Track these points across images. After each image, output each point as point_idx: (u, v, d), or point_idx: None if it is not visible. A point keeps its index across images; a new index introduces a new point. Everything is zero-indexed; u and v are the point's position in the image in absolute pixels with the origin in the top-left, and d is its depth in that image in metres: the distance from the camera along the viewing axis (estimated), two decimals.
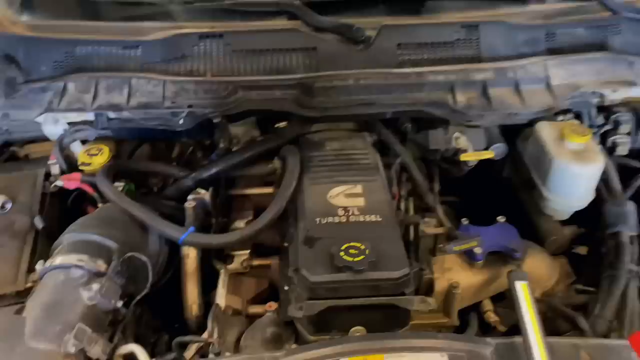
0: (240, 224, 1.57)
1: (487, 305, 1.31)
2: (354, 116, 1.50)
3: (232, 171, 1.45)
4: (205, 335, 1.14)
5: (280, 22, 1.58)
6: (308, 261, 1.09)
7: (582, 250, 1.55)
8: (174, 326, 1.39)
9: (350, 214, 1.19)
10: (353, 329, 1.08)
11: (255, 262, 1.43)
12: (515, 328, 1.28)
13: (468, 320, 1.30)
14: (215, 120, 1.50)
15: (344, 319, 1.09)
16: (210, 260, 1.42)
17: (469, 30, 1.54)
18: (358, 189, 1.27)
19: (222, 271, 1.34)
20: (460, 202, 1.68)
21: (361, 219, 1.18)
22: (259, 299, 1.37)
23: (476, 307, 1.33)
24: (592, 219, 1.47)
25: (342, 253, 1.06)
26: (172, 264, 1.40)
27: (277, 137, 1.51)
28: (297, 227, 1.23)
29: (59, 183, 1.47)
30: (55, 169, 1.50)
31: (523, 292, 0.90)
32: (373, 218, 1.18)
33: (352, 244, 1.08)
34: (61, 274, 1.11)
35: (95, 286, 1.08)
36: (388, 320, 1.10)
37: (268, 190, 1.61)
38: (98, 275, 1.12)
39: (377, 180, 1.31)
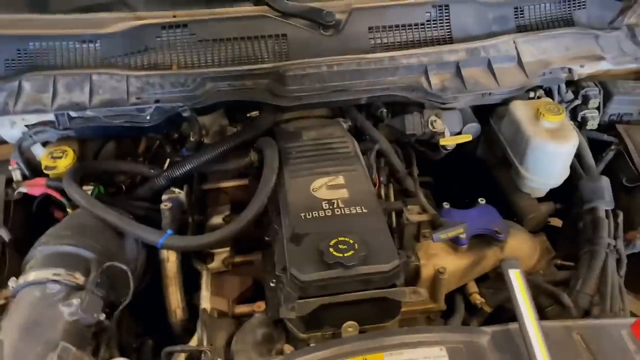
0: (217, 219, 1.53)
1: (472, 287, 1.33)
2: (329, 103, 1.46)
3: (206, 167, 1.40)
4: (194, 341, 1.11)
5: (247, 8, 1.52)
6: (296, 259, 1.06)
7: (556, 222, 1.59)
8: (158, 330, 1.36)
9: (335, 207, 1.17)
10: (345, 324, 1.07)
11: (237, 259, 1.40)
12: (501, 309, 1.32)
13: (455, 304, 1.31)
14: (184, 115, 1.44)
15: (336, 315, 1.08)
16: (190, 259, 1.37)
17: (439, 10, 1.52)
18: (340, 179, 1.25)
19: (203, 272, 1.31)
20: (435, 182, 1.68)
21: (346, 211, 1.16)
22: (244, 298, 1.34)
23: (461, 290, 1.34)
24: (566, 195, 1.50)
25: (331, 249, 1.04)
26: (150, 267, 1.35)
27: (252, 128, 1.46)
28: (280, 223, 1.21)
29: (23, 189, 1.39)
30: (17, 175, 1.42)
31: (517, 280, 0.91)
32: (358, 210, 1.16)
33: (340, 238, 1.06)
34: (37, 291, 1.05)
35: (75, 301, 1.02)
36: (379, 312, 1.10)
37: (243, 182, 1.58)
38: (77, 288, 1.07)
39: (358, 169, 1.29)
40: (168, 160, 1.52)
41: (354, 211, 1.16)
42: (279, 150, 1.35)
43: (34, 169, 1.46)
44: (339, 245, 1.05)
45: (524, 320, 0.88)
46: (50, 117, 1.42)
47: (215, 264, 1.39)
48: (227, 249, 1.40)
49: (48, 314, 1.02)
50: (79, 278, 1.09)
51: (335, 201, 1.19)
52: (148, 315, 1.37)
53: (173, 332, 1.30)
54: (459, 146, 1.54)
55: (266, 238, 1.37)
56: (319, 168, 1.29)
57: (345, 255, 1.03)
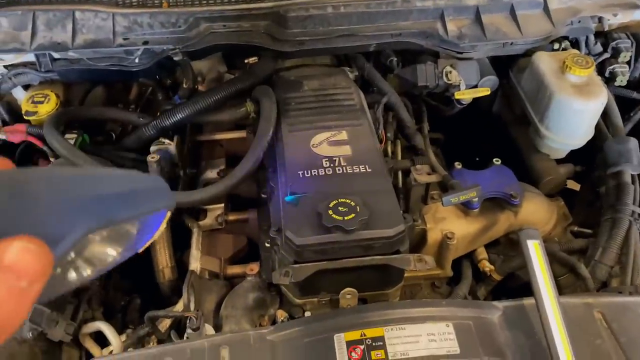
0: (211, 174, 1.44)
1: (482, 253, 1.24)
2: (334, 49, 1.33)
3: (199, 117, 1.29)
4: (179, 305, 1.03)
5: None
6: (292, 221, 0.97)
7: (574, 185, 1.48)
8: (147, 287, 1.29)
9: (336, 165, 1.07)
10: (344, 290, 0.99)
11: (231, 217, 1.31)
12: (511, 277, 1.23)
13: (461, 271, 1.22)
14: (176, 58, 1.32)
15: (333, 280, 0.99)
16: (181, 216, 1.29)
17: None
18: (343, 135, 1.14)
19: (194, 230, 1.22)
20: (445, 140, 1.57)
21: (349, 170, 1.06)
22: (238, 258, 1.26)
23: (469, 256, 1.25)
24: (586, 157, 1.38)
25: (330, 211, 0.95)
26: None
27: (248, 76, 1.34)
28: (276, 180, 1.11)
29: (2, 136, 1.30)
30: None
31: (535, 253, 0.82)
32: (362, 169, 1.06)
33: (341, 200, 0.97)
34: None
35: None
36: (381, 279, 1.02)
37: (240, 134, 1.48)
38: None
39: (364, 124, 1.18)
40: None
41: (357, 170, 1.06)
42: (277, 100, 1.24)
43: (14, 114, 1.36)
44: (339, 207, 0.96)
45: (541, 297, 0.79)
46: (30, 57, 1.30)
47: (208, 221, 1.30)
48: (221, 205, 1.31)
49: None
50: None
51: (337, 158, 1.08)
52: (136, 271, 1.30)
53: (162, 292, 1.22)
54: (474, 102, 1.42)
55: (262, 195, 1.28)
56: (320, 122, 1.18)
57: (346, 218, 0.93)
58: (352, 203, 0.96)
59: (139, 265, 1.26)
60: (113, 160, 1.26)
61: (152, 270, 1.25)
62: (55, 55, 1.29)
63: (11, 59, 1.30)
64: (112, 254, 0.41)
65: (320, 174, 1.05)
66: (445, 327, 0.80)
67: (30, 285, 0.33)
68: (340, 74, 1.34)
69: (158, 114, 1.35)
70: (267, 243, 1.15)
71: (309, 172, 1.06)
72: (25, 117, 1.31)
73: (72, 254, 0.39)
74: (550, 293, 0.79)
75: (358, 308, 0.93)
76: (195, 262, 1.13)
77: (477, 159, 1.56)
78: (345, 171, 1.06)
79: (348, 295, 1.00)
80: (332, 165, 1.07)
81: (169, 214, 0.44)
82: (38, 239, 0.34)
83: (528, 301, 0.85)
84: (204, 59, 1.55)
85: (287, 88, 1.29)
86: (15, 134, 1.29)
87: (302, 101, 1.24)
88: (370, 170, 1.06)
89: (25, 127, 1.29)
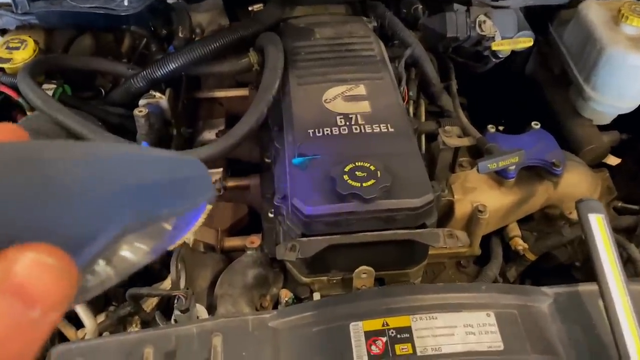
0: (209, 135, 1.29)
1: (514, 230, 1.09)
2: None
3: (195, 68, 1.13)
4: (167, 282, 0.89)
5: None
6: (301, 187, 0.82)
7: (613, 160, 1.32)
8: None
9: (352, 123, 0.91)
10: (359, 269, 0.85)
11: (230, 183, 1.15)
12: (546, 257, 1.09)
13: (490, 249, 1.08)
14: (170, 1, 1.15)
15: (347, 256, 0.85)
16: None
17: None
18: (361, 89, 0.98)
19: None
20: (469, 104, 1.41)
21: (368, 129, 0.90)
22: (237, 229, 1.12)
23: (499, 232, 1.10)
24: (633, 124, 1.22)
25: (346, 176, 0.80)
26: None
27: (252, 23, 1.18)
28: (282, 140, 0.96)
29: None
30: None
31: (599, 229, 0.66)
32: (383, 128, 0.90)
33: (358, 163, 0.81)
34: None
35: None
36: (401, 256, 0.87)
37: (242, 92, 1.33)
38: None
39: (385, 78, 1.02)
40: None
41: (377, 130, 0.90)
42: (285, 49, 1.08)
43: None
44: (356, 172, 0.81)
45: (607, 283, 0.64)
46: None
47: None
48: (219, 170, 1.15)
49: None
50: None
51: (354, 116, 0.93)
52: None
53: (151, 266, 1.08)
54: (505, 60, 1.26)
55: (266, 159, 1.13)
56: (334, 74, 1.02)
57: (364, 185, 0.78)
58: (371, 167, 0.81)
59: None
60: (97, 115, 1.11)
61: None
62: None
63: None
64: (139, 253, 0.32)
65: (334, 133, 0.90)
66: (486, 317, 0.66)
67: (45, 316, 0.23)
68: (357, 22, 1.18)
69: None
70: (271, 213, 1.01)
71: (321, 130, 0.90)
72: None
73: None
74: (617, 278, 0.64)
75: (379, 291, 0.79)
76: (189, 233, 0.99)
77: (503, 121, 1.39)
78: (363, 130, 0.90)
79: (363, 275, 0.86)
80: (347, 123, 0.92)
81: (209, 207, 0.34)
82: (59, 248, 0.23)
83: (584, 287, 0.70)
84: (204, 11, 1.40)
85: (296, 36, 1.13)
86: None
87: (313, 51, 1.08)
88: (392, 130, 0.90)
89: None
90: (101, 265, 0.30)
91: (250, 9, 1.29)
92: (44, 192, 0.24)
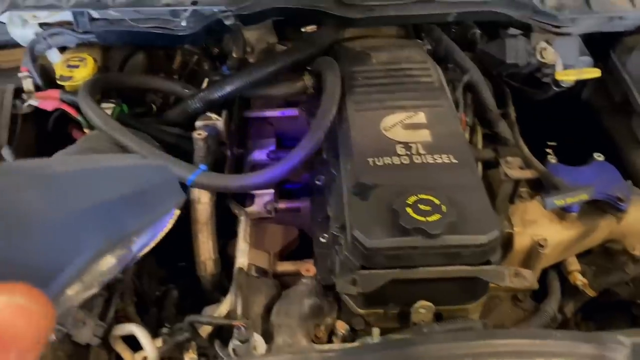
0: (259, 155, 1.29)
1: (573, 264, 1.05)
2: (407, 18, 1.15)
3: (251, 91, 1.14)
4: (223, 307, 0.89)
5: None
6: (362, 218, 0.81)
7: None
8: (184, 275, 1.16)
9: (413, 152, 0.90)
10: (418, 304, 0.83)
11: (281, 205, 1.15)
12: (607, 293, 1.05)
13: (548, 283, 1.04)
14: (227, 23, 1.16)
15: (405, 291, 0.83)
16: (225, 200, 1.14)
17: None
18: (421, 117, 0.96)
19: (242, 218, 1.07)
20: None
21: (429, 159, 0.89)
22: (287, 252, 1.11)
23: (557, 266, 1.07)
24: None
25: (409, 209, 0.78)
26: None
27: (308, 45, 1.18)
28: (338, 166, 0.95)
29: (34, 102, 1.17)
30: (28, 84, 1.19)
31: None
32: (445, 159, 0.88)
33: (422, 196, 0.80)
34: None
35: None
36: (461, 291, 0.85)
37: (292, 112, 1.32)
38: None
39: (444, 105, 1.00)
40: (206, 80, 1.27)
41: (440, 160, 0.89)
42: (342, 74, 1.07)
43: (48, 79, 1.23)
44: (420, 205, 0.79)
45: None
46: (67, 16, 1.17)
47: (256, 208, 1.15)
48: (271, 191, 1.15)
49: None
50: None
51: (415, 145, 0.91)
52: (173, 256, 1.17)
53: (202, 286, 1.09)
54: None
55: (316, 182, 1.12)
56: (392, 100, 1.01)
57: (429, 219, 0.77)
58: (436, 201, 0.79)
59: (175, 250, 1.13)
60: (154, 135, 1.12)
61: (190, 256, 1.11)
62: (94, 14, 1.16)
63: (46, 16, 1.17)
64: (108, 265, 0.31)
65: (395, 163, 0.89)
66: None
67: (21, 357, 0.22)
68: (413, 46, 1.16)
69: (205, 85, 1.21)
70: (323, 238, 1.00)
71: (381, 159, 0.89)
72: (59, 82, 1.18)
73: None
74: None
75: (450, 335, 0.77)
76: (243, 257, 0.98)
77: (551, 143, 1.34)
78: (424, 161, 0.89)
79: (422, 310, 0.84)
80: (408, 152, 0.90)
81: (177, 212, 0.36)
82: (30, 285, 0.21)
83: None
84: (253, 29, 1.40)
85: (352, 60, 1.12)
86: (48, 101, 1.16)
87: (370, 76, 1.07)
88: (455, 161, 0.88)
89: (59, 94, 1.16)
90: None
91: (303, 29, 1.29)
92: (8, 224, 0.22)
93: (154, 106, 1.34)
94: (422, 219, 0.77)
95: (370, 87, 1.05)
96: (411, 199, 0.80)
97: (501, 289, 1.03)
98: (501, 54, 1.16)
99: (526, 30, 1.16)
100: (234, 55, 1.27)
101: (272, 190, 1.15)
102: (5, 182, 0.24)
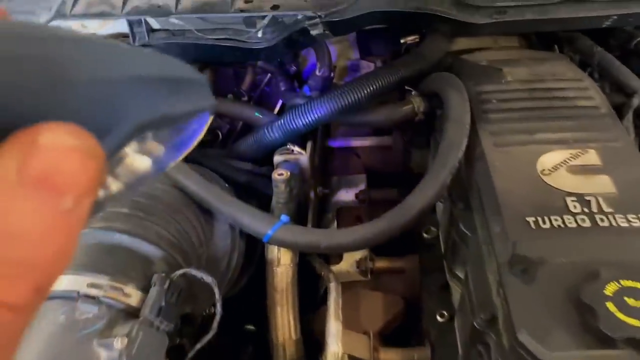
0: (346, 195, 1.05)
1: None
2: (549, 23, 0.88)
3: (343, 117, 0.89)
4: None
5: None
6: (530, 313, 0.54)
7: None
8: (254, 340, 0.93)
9: (593, 209, 0.62)
10: None
11: (379, 264, 0.89)
12: None
13: None
14: (313, 32, 0.92)
15: None
16: (305, 255, 0.89)
17: None
18: (592, 156, 0.68)
19: (331, 285, 0.81)
20: None
21: (621, 221, 0.60)
22: (390, 330, 0.84)
23: None
24: None
25: (610, 304, 0.50)
26: (251, 262, 0.89)
27: (414, 59, 0.92)
28: (474, 222, 0.68)
29: None
30: None
31: None
32: None
33: (627, 283, 0.52)
34: (61, 311, 0.60)
35: (119, 341, 0.57)
36: None
37: (384, 141, 1.09)
38: (126, 313, 0.61)
39: (621, 139, 0.71)
40: (280, 101, 1.05)
41: (636, 223, 0.60)
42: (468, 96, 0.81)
43: None
44: (626, 298, 0.51)
45: None
46: (122, 26, 0.98)
47: (345, 265, 0.89)
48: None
49: (74, 356, 0.58)
50: (132, 294, 0.62)
51: (592, 199, 0.63)
52: (243, 322, 0.94)
53: None
54: None
55: (425, 235, 0.86)
56: (545, 132, 0.73)
57: None
58: None
59: (241, 320, 0.90)
60: (221, 172, 0.89)
61: (262, 328, 0.87)
62: (154, 23, 0.96)
63: (97, 27, 0.98)
64: (143, 164, 0.27)
65: (569, 225, 0.61)
66: None
67: (79, 204, 0.20)
68: (559, 59, 0.89)
69: (282, 109, 0.98)
70: (441, 316, 0.74)
71: (547, 220, 0.61)
72: None
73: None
74: None
75: None
76: (336, 344, 0.72)
77: None
78: (614, 224, 0.60)
79: None
80: (585, 209, 0.62)
81: (210, 119, 0.29)
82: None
83: None
84: (333, 42, 1.19)
85: (479, 78, 0.85)
86: None
87: (507, 97, 0.80)
88: None
89: None
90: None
91: (402, 41, 1.05)
92: (49, 74, 0.20)
93: (220, 133, 1.13)
94: (636, 322, 0.49)
95: (510, 112, 0.77)
96: (610, 288, 0.52)
97: None
98: None
99: None
100: (317, 73, 1.05)
101: None
102: (49, 34, 0.21)
